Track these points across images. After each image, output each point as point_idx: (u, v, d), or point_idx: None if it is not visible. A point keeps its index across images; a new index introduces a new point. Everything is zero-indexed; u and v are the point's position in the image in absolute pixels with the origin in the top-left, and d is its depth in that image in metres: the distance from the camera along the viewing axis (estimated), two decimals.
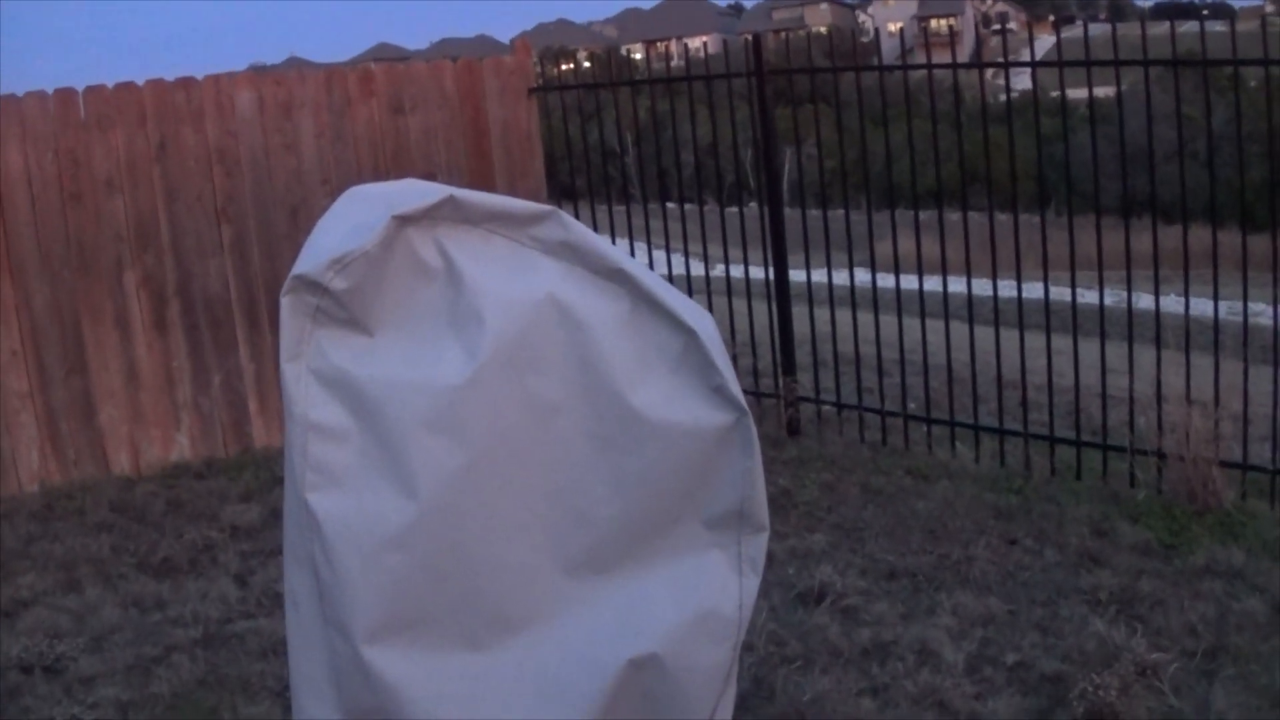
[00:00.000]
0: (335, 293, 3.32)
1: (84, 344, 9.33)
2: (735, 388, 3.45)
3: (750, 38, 9.37)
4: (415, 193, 3.47)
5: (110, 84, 9.45)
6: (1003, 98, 8.37)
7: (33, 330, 9.17)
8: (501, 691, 3.38)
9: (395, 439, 3.29)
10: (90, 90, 9.37)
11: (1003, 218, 8.26)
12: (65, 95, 9.27)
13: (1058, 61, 7.93)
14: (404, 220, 3.36)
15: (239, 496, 8.72)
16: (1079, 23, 68.79)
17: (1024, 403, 8.24)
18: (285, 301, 3.37)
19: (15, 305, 9.09)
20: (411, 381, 3.31)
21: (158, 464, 9.54)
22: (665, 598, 3.43)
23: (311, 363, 3.37)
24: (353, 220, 3.42)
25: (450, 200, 3.43)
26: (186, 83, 9.68)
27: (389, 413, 3.30)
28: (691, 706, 3.45)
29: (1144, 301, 8.00)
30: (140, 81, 9.56)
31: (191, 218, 9.63)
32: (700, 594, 3.46)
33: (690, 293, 9.09)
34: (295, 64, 76.52)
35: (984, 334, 8.33)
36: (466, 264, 3.41)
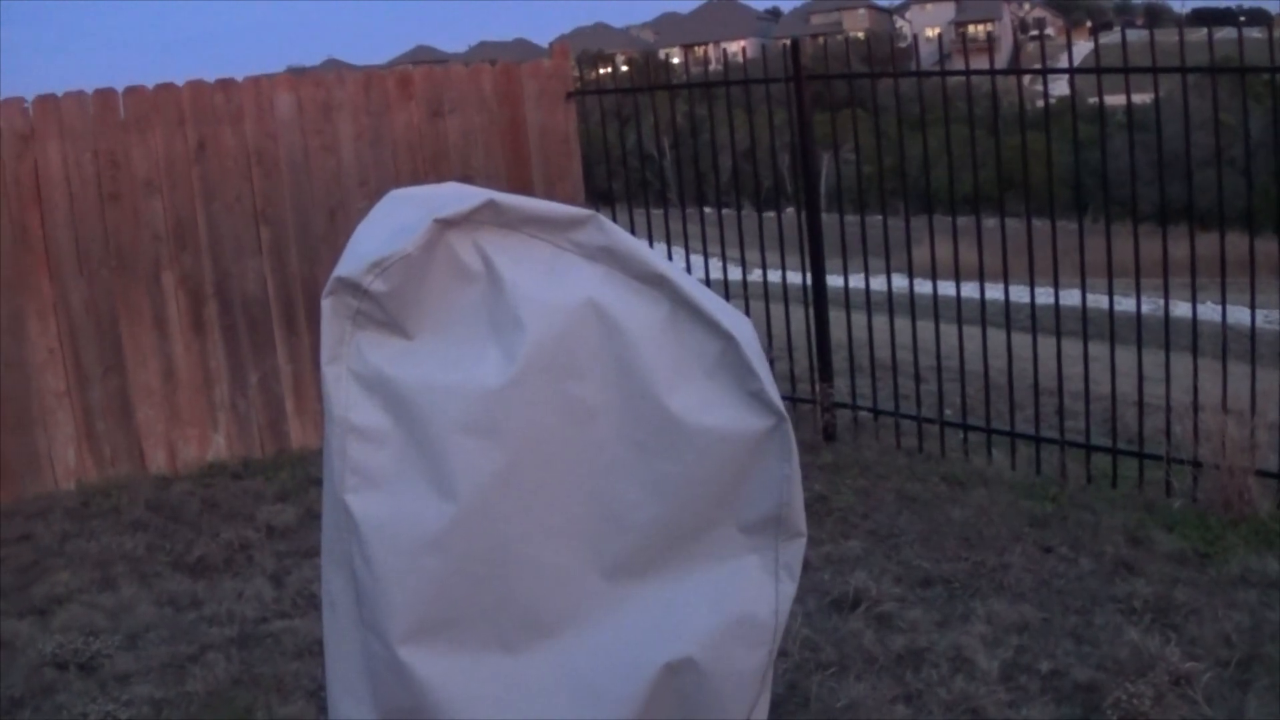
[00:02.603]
0: (376, 295, 3.34)
1: (121, 343, 9.37)
2: (774, 393, 3.45)
3: (789, 43, 9.36)
4: (456, 196, 3.48)
5: (149, 84, 9.50)
6: (1039, 104, 8.35)
7: (70, 329, 9.20)
8: (536, 694, 3.39)
9: (434, 441, 3.30)
10: (130, 90, 9.41)
11: (1040, 224, 8.23)
12: (105, 95, 9.31)
13: (1096, 68, 7.91)
14: (445, 224, 3.38)
15: (275, 497, 8.73)
16: (1116, 28, 68.67)
17: (1060, 410, 8.23)
18: (326, 303, 3.39)
19: (54, 304, 9.13)
20: (451, 384, 3.32)
21: (194, 463, 9.58)
22: (701, 602, 3.44)
23: (351, 365, 3.39)
24: (394, 223, 3.44)
25: (491, 204, 3.44)
26: (226, 84, 9.71)
27: (428, 415, 3.31)
28: (727, 711, 3.45)
29: (1181, 309, 7.97)
30: (179, 82, 9.60)
31: (230, 218, 9.66)
32: (737, 599, 3.46)
33: (727, 297, 9.09)
34: (333, 65, 76.48)
35: (1021, 341, 8.32)
36: (507, 268, 3.42)
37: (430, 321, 3.41)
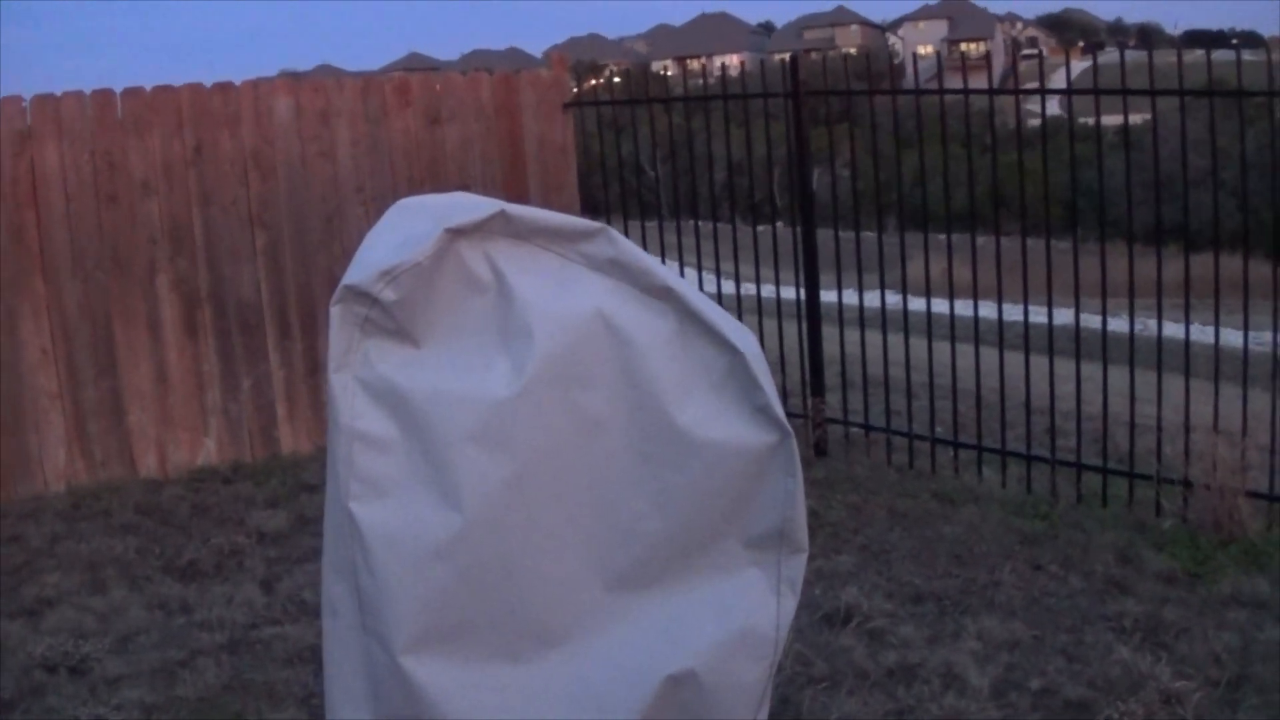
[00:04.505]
0: (385, 303, 3.35)
1: (114, 345, 9.36)
2: (779, 408, 3.46)
3: (788, 58, 9.38)
4: (467, 206, 3.49)
5: (148, 86, 9.49)
6: (1033, 123, 8.38)
7: (64, 330, 9.20)
8: (539, 704, 3.40)
9: (441, 450, 3.31)
10: (128, 92, 9.41)
11: (1034, 243, 8.25)
12: (103, 96, 9.31)
13: (1094, 89, 7.93)
14: (455, 233, 3.39)
15: (265, 502, 8.73)
16: (1109, 49, 68.77)
17: (1052, 429, 8.24)
18: (334, 311, 3.39)
19: (48, 305, 9.13)
20: (459, 394, 3.33)
21: (185, 467, 9.57)
22: (705, 615, 3.45)
23: (359, 372, 3.39)
24: (403, 232, 3.45)
25: (501, 215, 3.45)
26: (224, 87, 9.72)
27: (435, 424, 3.32)
28: None
29: (1173, 330, 7.99)
30: (177, 84, 9.59)
31: (225, 222, 9.66)
32: (739, 612, 3.48)
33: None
34: (326, 71, 76.76)
35: (1013, 359, 8.34)
36: (516, 278, 3.43)
37: (439, 331, 3.42)
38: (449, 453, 3.30)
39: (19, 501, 8.90)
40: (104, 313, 9.30)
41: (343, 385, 3.39)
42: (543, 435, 3.35)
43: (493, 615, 3.36)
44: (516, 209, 3.49)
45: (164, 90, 9.51)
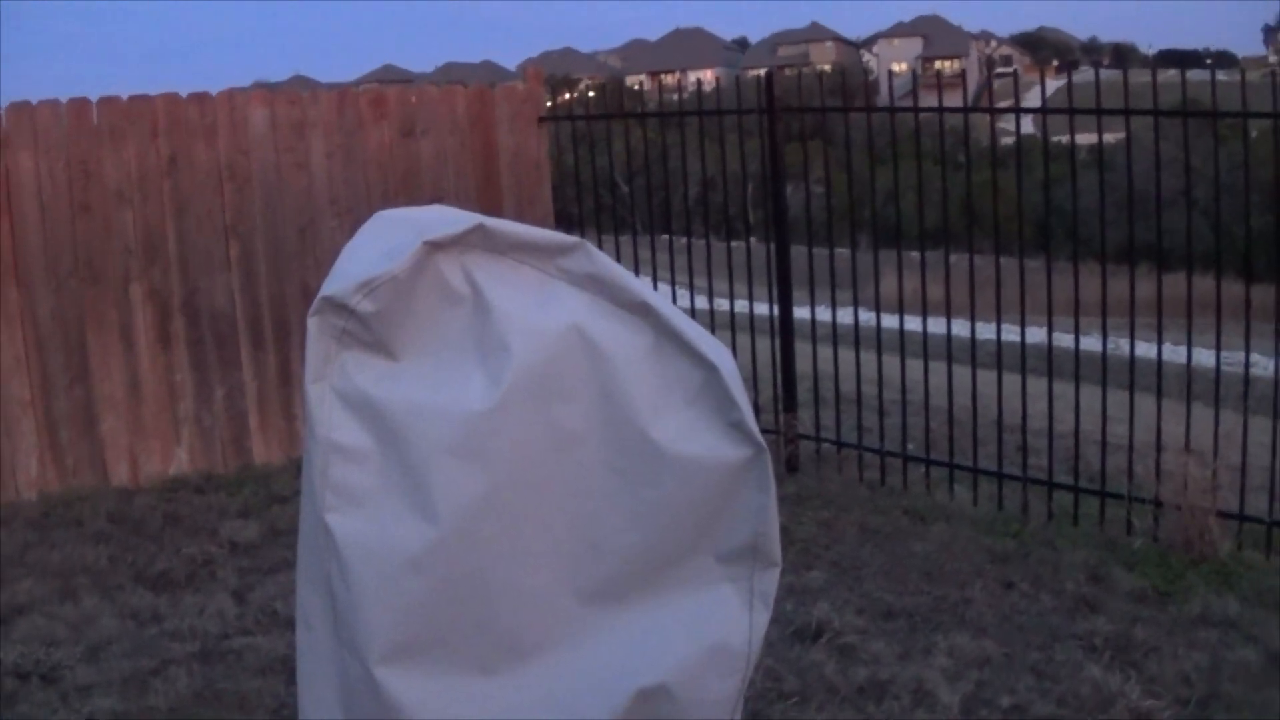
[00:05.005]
0: (362, 315, 3.35)
1: (88, 354, 9.36)
2: (753, 424, 3.48)
3: (763, 75, 9.41)
4: (445, 219, 3.50)
5: (124, 95, 9.49)
6: (1007, 141, 8.40)
7: (37, 338, 9.19)
8: (511, 717, 3.40)
9: (417, 463, 3.31)
10: (104, 101, 9.40)
11: (1006, 261, 8.28)
12: (79, 105, 9.30)
13: (1069, 109, 7.96)
14: (434, 246, 3.40)
15: (238, 512, 8.72)
16: (1084, 67, 69.02)
17: (1024, 447, 8.27)
18: (312, 322, 3.40)
19: (20, 312, 9.12)
20: (435, 406, 3.34)
21: (157, 476, 9.56)
22: (677, 629, 3.46)
23: (336, 384, 3.40)
24: (382, 244, 3.45)
25: (480, 228, 3.46)
26: (200, 98, 9.72)
27: (411, 437, 3.32)
28: None
29: (1145, 350, 8.03)
30: (153, 94, 9.59)
31: (200, 233, 9.65)
32: (711, 627, 3.49)
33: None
34: (301, 82, 76.68)
35: (985, 377, 8.36)
36: (494, 292, 3.44)
37: (416, 343, 3.43)
38: (425, 465, 3.30)
39: None
40: (77, 321, 9.29)
41: (319, 396, 3.39)
42: (518, 448, 3.36)
43: (466, 627, 3.37)
44: (495, 223, 3.50)
45: (140, 100, 9.51)
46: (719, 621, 3.50)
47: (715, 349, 3.54)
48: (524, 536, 3.39)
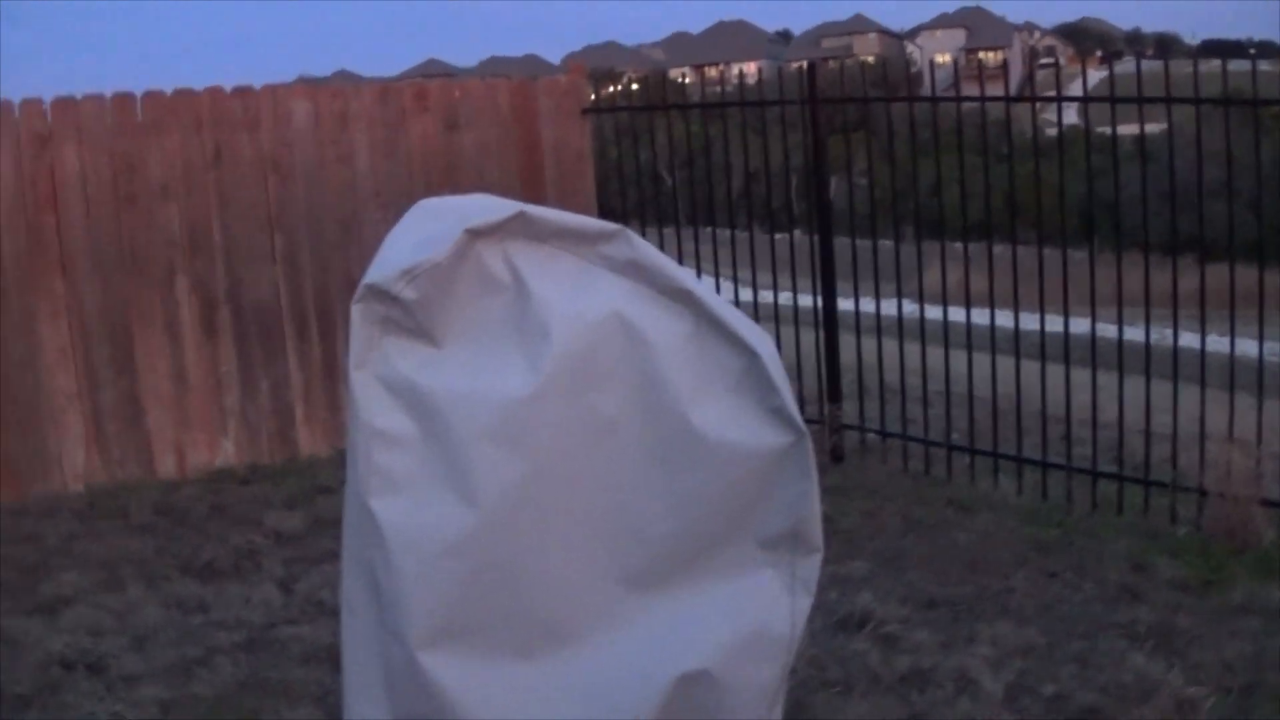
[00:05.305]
0: (405, 302, 3.38)
1: (133, 346, 9.40)
2: (794, 409, 3.49)
3: (805, 66, 9.40)
4: (486, 207, 3.52)
5: (168, 89, 9.53)
6: (1049, 132, 8.38)
7: (83, 331, 9.23)
8: (551, 701, 3.42)
9: (458, 448, 3.34)
10: (148, 95, 9.44)
11: (1050, 252, 8.26)
12: (123, 99, 9.34)
13: (1110, 97, 7.94)
14: (475, 234, 3.42)
15: (283, 503, 8.74)
16: (1127, 58, 68.70)
17: (1067, 437, 8.25)
18: (355, 309, 3.42)
19: (66, 305, 9.16)
20: (476, 392, 3.36)
21: (203, 468, 9.60)
22: (718, 615, 3.47)
23: (379, 370, 3.42)
24: (424, 232, 3.48)
25: (521, 216, 3.48)
26: (243, 91, 9.75)
27: (453, 422, 3.34)
28: None
29: (1188, 340, 7.99)
30: (197, 88, 9.65)
31: (244, 226, 9.68)
32: (753, 612, 3.50)
33: None
34: (344, 77, 76.75)
35: (1029, 368, 8.34)
36: (534, 279, 3.46)
37: (458, 330, 3.45)
38: (466, 450, 3.33)
39: (37, 500, 8.92)
40: (122, 314, 9.33)
41: (363, 383, 3.42)
42: (558, 435, 3.38)
43: (506, 612, 3.39)
44: (535, 210, 3.52)
45: (184, 94, 9.55)
46: (760, 607, 3.51)
47: (756, 335, 3.55)
48: (563, 522, 3.41)
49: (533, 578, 3.41)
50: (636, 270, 3.53)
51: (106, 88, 9.34)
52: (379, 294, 3.39)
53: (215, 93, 9.64)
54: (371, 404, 3.40)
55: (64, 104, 9.16)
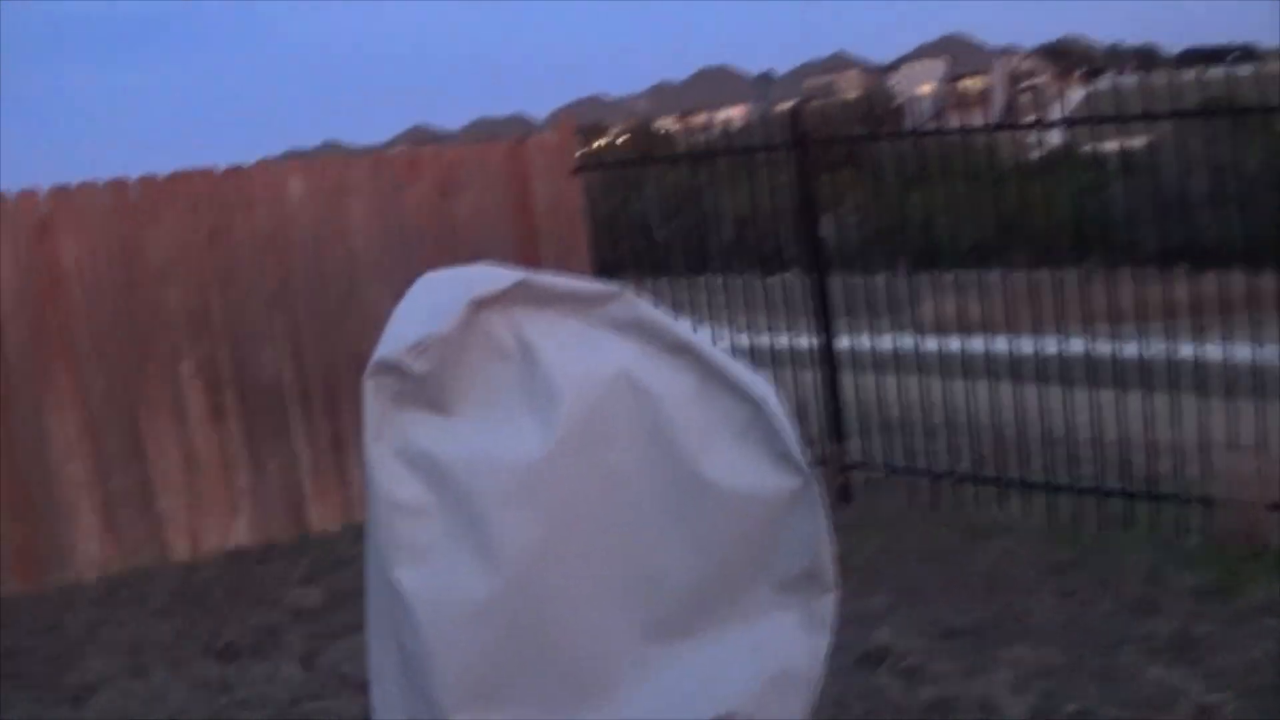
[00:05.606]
0: (416, 375, 3.44)
1: (141, 432, 9.42)
2: (799, 454, 3.55)
3: (790, 109, 9.46)
4: (489, 277, 3.59)
5: (159, 172, 9.58)
6: (1036, 154, 8.44)
7: (90, 419, 9.26)
8: None
9: (477, 514, 3.39)
10: (143, 179, 9.46)
11: (1042, 274, 8.31)
12: (118, 185, 9.38)
13: (1090, 118, 8.01)
14: (480, 304, 3.48)
15: (300, 580, 8.75)
16: (1106, 74, 68.77)
17: (1072, 457, 8.29)
18: (368, 385, 3.48)
19: (73, 394, 9.20)
20: (491, 458, 3.42)
21: (217, 549, 9.60)
22: (741, 659, 3.52)
23: (394, 443, 3.48)
24: (430, 305, 3.54)
25: (523, 284, 3.55)
26: (237, 171, 9.80)
27: (470, 489, 3.40)
28: None
29: (1183, 350, 8.03)
30: (191, 170, 9.69)
31: (244, 305, 9.72)
32: (774, 655, 3.55)
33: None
34: (332, 148, 76.85)
35: (1028, 391, 8.38)
36: (541, 343, 3.52)
37: (469, 398, 3.51)
38: (485, 516, 3.38)
39: (53, 590, 8.95)
40: (129, 400, 9.36)
41: (379, 456, 3.47)
42: (573, 493, 3.44)
43: (535, 671, 3.44)
44: (537, 278, 3.59)
45: (178, 176, 9.58)
46: (781, 649, 3.56)
47: (758, 384, 3.61)
48: (585, 578, 3.46)
49: (559, 635, 3.45)
50: (638, 329, 3.60)
51: (99, 173, 9.37)
52: (390, 369, 3.45)
53: (208, 174, 9.66)
54: (389, 477, 3.45)
55: (60, 193, 9.20)
